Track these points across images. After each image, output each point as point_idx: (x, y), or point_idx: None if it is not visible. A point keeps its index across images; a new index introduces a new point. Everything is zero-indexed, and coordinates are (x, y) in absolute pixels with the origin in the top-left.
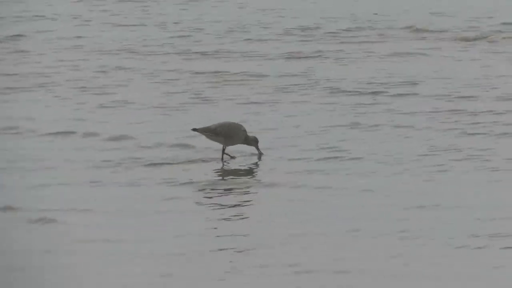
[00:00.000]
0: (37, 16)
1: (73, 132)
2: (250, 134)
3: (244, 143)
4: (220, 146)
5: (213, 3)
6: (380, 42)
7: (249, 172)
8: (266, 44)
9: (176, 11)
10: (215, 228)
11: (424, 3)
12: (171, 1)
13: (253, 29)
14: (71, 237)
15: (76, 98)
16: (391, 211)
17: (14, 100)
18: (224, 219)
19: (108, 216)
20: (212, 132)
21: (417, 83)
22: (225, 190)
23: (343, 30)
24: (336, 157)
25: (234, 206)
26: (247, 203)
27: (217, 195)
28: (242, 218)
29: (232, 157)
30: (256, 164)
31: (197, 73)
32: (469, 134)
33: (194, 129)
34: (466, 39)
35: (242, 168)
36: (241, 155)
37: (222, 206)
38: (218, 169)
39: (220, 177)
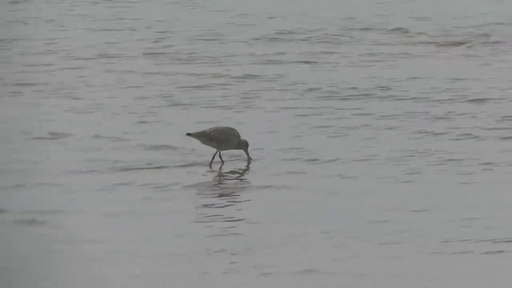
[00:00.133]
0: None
1: (49, 136)
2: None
3: (236, 148)
4: (212, 150)
5: (188, 6)
6: (357, 45)
7: (239, 174)
8: (241, 48)
9: (152, 15)
10: (210, 229)
11: (407, 7)
12: (147, 4)
13: (228, 33)
14: (61, 239)
15: (51, 102)
16: (373, 212)
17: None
18: (219, 220)
19: (100, 218)
20: (206, 137)
21: (391, 87)
22: (217, 192)
23: (322, 34)
24: (315, 160)
25: (228, 207)
26: (242, 205)
27: (209, 197)
28: (238, 220)
29: (222, 161)
30: (245, 167)
31: (170, 76)
32: (442, 136)
33: (188, 134)
34: (446, 44)
35: (232, 171)
36: (229, 159)
37: (216, 208)
38: (207, 173)
39: (211, 180)
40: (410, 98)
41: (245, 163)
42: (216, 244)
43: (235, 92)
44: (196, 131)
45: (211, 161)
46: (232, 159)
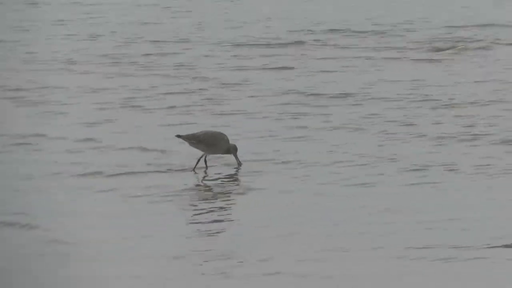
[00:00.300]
0: None
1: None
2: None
3: (225, 153)
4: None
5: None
6: (336, 49)
7: (228, 178)
8: (206, 53)
9: (116, 20)
10: (203, 231)
11: (398, 10)
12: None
13: (193, 38)
14: (53, 240)
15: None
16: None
17: None
18: (208, 222)
19: (93, 221)
20: (196, 140)
21: (369, 90)
22: (206, 195)
23: (315, 35)
24: (297, 161)
25: (219, 210)
26: (234, 207)
27: (199, 200)
28: (230, 222)
29: (206, 166)
30: (235, 171)
31: (133, 83)
32: (412, 140)
33: (178, 136)
34: (432, 49)
35: (219, 174)
36: (218, 163)
37: (206, 211)
38: (192, 177)
39: (199, 184)
40: (387, 101)
41: (234, 167)
42: (208, 246)
43: (201, 97)
44: (185, 134)
45: (195, 165)
46: (215, 164)
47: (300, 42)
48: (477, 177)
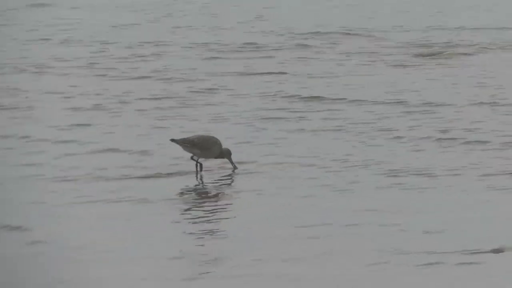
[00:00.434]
0: None
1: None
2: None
3: (218, 157)
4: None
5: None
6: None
7: (220, 181)
8: (176, 57)
9: (92, 23)
10: (192, 233)
11: (386, 15)
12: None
13: (168, 41)
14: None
15: None
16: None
17: None
18: (204, 224)
19: (86, 224)
20: (190, 143)
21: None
22: (200, 199)
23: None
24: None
25: (213, 212)
26: (225, 210)
27: (191, 204)
28: (224, 224)
29: (201, 172)
30: (231, 174)
31: (107, 87)
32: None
33: (172, 140)
34: (419, 54)
35: (213, 178)
36: (213, 166)
37: (200, 214)
38: (186, 180)
39: (192, 187)
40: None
41: (229, 171)
42: (203, 248)
43: (176, 102)
44: (180, 138)
45: (197, 169)
46: (209, 167)
47: (280, 46)
48: (455, 181)
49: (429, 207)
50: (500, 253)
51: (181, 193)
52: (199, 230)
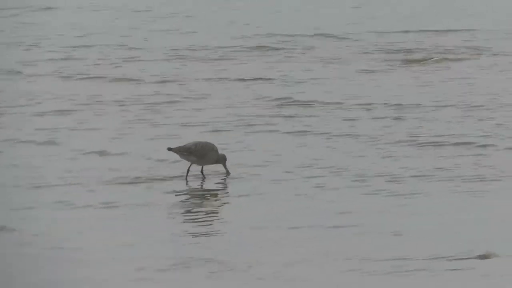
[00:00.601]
0: None
1: None
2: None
3: (215, 163)
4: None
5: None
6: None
7: (213, 185)
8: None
9: (65, 27)
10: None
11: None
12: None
13: (141, 46)
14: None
15: None
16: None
17: None
18: (197, 228)
19: (79, 227)
20: (187, 151)
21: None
22: (193, 204)
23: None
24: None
25: (206, 216)
26: (218, 214)
27: (185, 209)
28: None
29: (187, 177)
30: (225, 179)
31: (77, 91)
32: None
33: (169, 149)
34: (407, 61)
35: (204, 182)
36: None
37: (193, 218)
38: (180, 185)
39: (186, 192)
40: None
41: (223, 176)
42: (197, 251)
43: (144, 108)
44: (176, 146)
45: (202, 175)
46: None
47: (252, 50)
48: (427, 185)
49: (422, 211)
50: (486, 259)
51: (173, 198)
52: (192, 234)
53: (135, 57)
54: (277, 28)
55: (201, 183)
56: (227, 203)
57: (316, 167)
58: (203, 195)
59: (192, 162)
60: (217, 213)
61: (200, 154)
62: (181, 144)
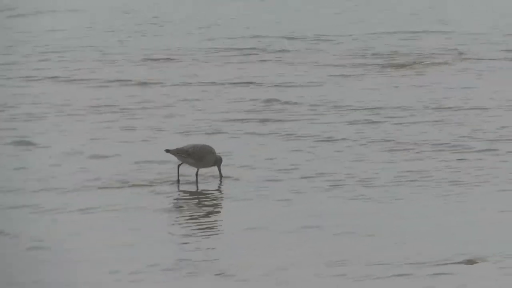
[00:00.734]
0: None
1: None
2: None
3: (213, 166)
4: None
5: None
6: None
7: (212, 189)
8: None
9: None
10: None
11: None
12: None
13: (114, 50)
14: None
15: None
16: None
17: None
18: (190, 231)
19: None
20: (185, 154)
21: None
22: (187, 207)
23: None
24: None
25: (199, 219)
26: (210, 217)
27: (178, 212)
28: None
29: (178, 180)
30: (218, 182)
31: (48, 95)
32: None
33: (167, 150)
34: (391, 65)
35: (195, 185)
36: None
37: (186, 221)
38: (172, 188)
39: (178, 195)
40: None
41: (216, 179)
42: (191, 254)
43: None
44: (174, 148)
45: (196, 180)
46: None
47: (228, 53)
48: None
49: (402, 217)
50: (472, 264)
51: (164, 201)
52: (183, 236)
53: (112, 61)
54: (253, 30)
55: (179, 183)
56: (220, 205)
57: (298, 172)
58: (195, 198)
59: (190, 165)
60: (209, 216)
61: (198, 156)
62: (179, 146)
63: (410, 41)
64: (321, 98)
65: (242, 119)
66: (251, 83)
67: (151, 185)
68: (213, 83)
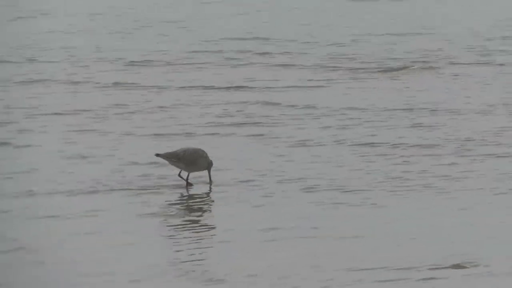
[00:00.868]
0: None
1: None
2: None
3: (205, 170)
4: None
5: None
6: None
7: (202, 194)
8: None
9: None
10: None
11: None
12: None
13: (88, 55)
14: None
15: None
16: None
17: None
18: (184, 235)
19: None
20: (175, 158)
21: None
22: (180, 211)
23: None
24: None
25: (192, 224)
26: (203, 221)
27: (172, 216)
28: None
29: (187, 184)
30: (208, 187)
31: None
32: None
33: (157, 155)
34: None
35: (185, 190)
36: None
37: (180, 225)
38: (167, 193)
39: (172, 200)
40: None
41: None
42: (186, 257)
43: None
44: (165, 152)
45: (187, 184)
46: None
47: (210, 58)
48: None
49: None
50: (459, 269)
51: (156, 206)
52: (179, 240)
53: (89, 64)
54: (233, 33)
55: (187, 189)
56: (209, 210)
57: (274, 176)
58: (186, 202)
59: (181, 169)
60: (200, 220)
61: (189, 160)
62: (170, 150)
63: (388, 45)
64: (300, 102)
65: (215, 123)
66: (230, 87)
67: (138, 189)
68: (190, 88)
